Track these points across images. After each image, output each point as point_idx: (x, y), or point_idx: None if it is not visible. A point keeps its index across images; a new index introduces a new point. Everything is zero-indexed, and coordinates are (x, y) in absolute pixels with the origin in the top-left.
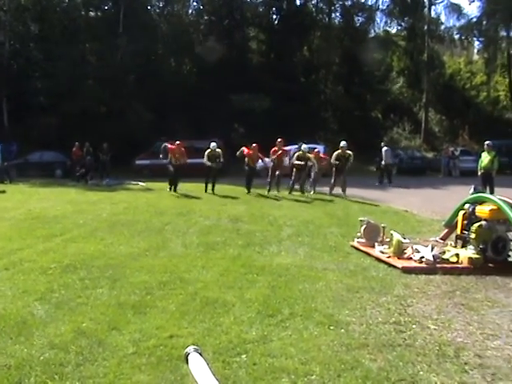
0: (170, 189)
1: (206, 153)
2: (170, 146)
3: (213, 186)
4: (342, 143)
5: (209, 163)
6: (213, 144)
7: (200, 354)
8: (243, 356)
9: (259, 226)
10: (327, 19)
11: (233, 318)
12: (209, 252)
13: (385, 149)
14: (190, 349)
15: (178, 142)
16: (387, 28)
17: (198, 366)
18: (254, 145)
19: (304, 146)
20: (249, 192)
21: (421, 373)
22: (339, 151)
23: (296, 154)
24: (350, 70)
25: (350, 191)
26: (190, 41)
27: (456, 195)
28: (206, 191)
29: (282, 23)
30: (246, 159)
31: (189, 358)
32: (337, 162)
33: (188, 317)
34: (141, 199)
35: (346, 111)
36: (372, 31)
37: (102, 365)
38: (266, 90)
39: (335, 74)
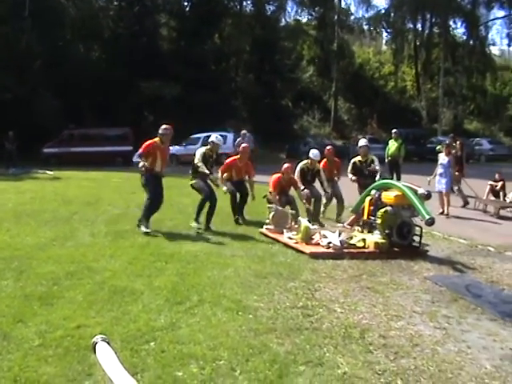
0: None
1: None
2: None
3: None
4: (362, 142)
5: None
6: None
7: (108, 343)
8: (151, 344)
9: (168, 214)
10: (238, 7)
11: (141, 306)
12: (117, 241)
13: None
14: (98, 338)
15: None
16: (298, 17)
17: (105, 355)
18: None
19: (314, 153)
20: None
21: (327, 355)
22: (357, 158)
23: (300, 167)
24: (260, 58)
25: (263, 178)
26: (100, 26)
27: None
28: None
29: (193, 10)
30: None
31: (96, 347)
32: (353, 178)
33: (96, 306)
34: (48, 188)
35: (257, 99)
36: (283, 20)
37: (7, 358)
38: (176, 77)
39: (246, 61)
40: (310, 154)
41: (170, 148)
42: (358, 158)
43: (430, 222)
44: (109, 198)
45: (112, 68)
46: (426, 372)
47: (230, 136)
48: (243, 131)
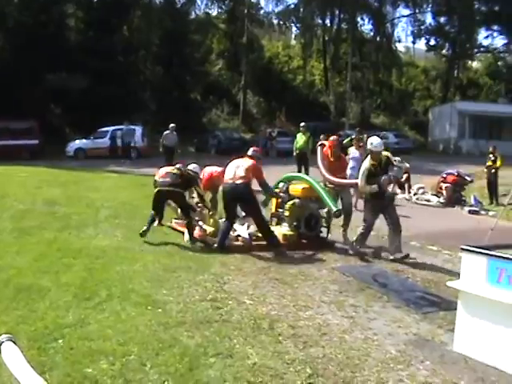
0: None
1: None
2: None
3: None
4: (374, 142)
5: None
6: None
7: (14, 342)
8: (60, 341)
9: (76, 209)
10: None
11: (48, 303)
12: (23, 237)
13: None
14: (3, 338)
15: None
16: (208, 10)
17: (11, 355)
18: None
19: (375, 142)
20: None
21: (237, 346)
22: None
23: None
24: (169, 51)
25: None
26: (3, 15)
27: (273, 175)
28: None
29: (101, 1)
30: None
31: (2, 347)
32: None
33: (1, 305)
34: None
35: (165, 92)
36: (193, 13)
37: None
38: (83, 69)
39: (155, 54)
40: (370, 145)
41: (77, 142)
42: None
43: (338, 214)
44: (14, 194)
45: (16, 59)
46: (334, 360)
47: (139, 129)
48: (172, 125)
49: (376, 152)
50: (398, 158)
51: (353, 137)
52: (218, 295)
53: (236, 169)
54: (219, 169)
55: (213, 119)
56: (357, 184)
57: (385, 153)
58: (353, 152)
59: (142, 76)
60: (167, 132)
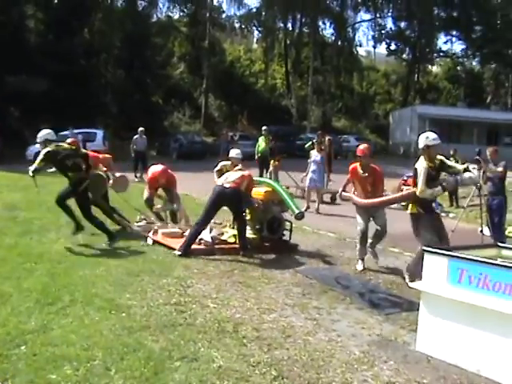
0: None
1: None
2: None
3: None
4: (430, 136)
5: None
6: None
7: None
8: (22, 347)
9: (37, 213)
10: (109, 1)
11: (10, 309)
12: None
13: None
14: None
15: None
16: (170, 13)
17: None
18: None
19: (431, 135)
20: None
21: (202, 349)
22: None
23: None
24: (131, 54)
25: (131, 176)
26: None
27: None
28: None
29: (61, 2)
30: None
31: None
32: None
33: None
34: None
35: (127, 95)
36: (155, 16)
37: None
38: (44, 71)
39: (116, 57)
40: (425, 140)
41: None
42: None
43: (300, 217)
44: None
45: None
46: (298, 361)
47: (100, 133)
48: (140, 129)
49: (434, 147)
50: (473, 166)
51: (314, 140)
52: (182, 299)
53: (230, 175)
54: (161, 167)
55: (174, 123)
56: (400, 197)
57: (439, 157)
58: (314, 155)
59: (103, 79)
60: (136, 137)
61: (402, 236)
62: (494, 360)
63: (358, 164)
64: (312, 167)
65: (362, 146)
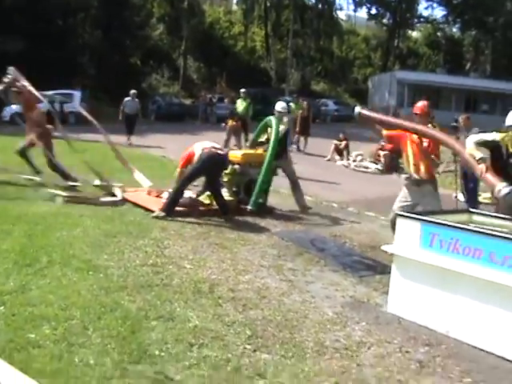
0: None
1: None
2: None
3: None
4: None
5: None
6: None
7: None
8: (1, 308)
9: (12, 177)
10: None
11: None
12: None
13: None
14: None
15: None
16: None
17: None
18: None
19: None
20: None
21: (178, 309)
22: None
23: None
24: (109, 14)
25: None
26: None
27: (214, 140)
28: None
29: None
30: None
31: None
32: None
33: None
34: None
35: (105, 56)
36: None
37: None
38: (20, 31)
39: (94, 17)
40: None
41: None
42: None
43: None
44: None
45: None
46: (272, 321)
47: (77, 94)
48: (132, 91)
49: None
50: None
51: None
52: (159, 260)
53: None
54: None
55: (153, 84)
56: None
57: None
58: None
59: (80, 39)
60: (128, 99)
61: (377, 200)
62: (462, 321)
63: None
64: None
65: (421, 104)
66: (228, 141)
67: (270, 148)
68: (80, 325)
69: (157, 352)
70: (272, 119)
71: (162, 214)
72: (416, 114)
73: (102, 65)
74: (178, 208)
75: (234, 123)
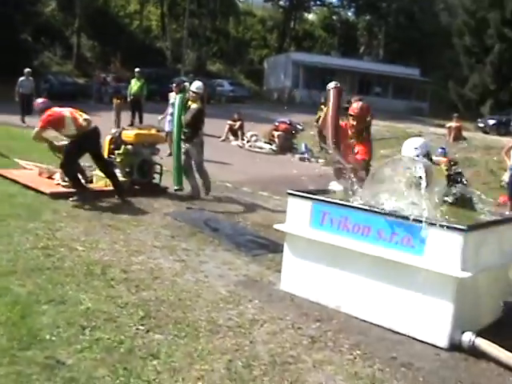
0: None
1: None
2: None
3: None
4: None
5: None
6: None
7: None
8: None
9: None
10: None
11: None
12: None
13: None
14: None
15: None
16: None
17: None
18: None
19: None
20: None
21: (70, 292)
22: None
23: None
24: None
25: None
26: None
27: (108, 120)
28: None
29: None
30: None
31: None
32: None
33: None
34: None
35: None
36: None
37: None
38: None
39: None
40: None
41: None
42: None
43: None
44: None
45: None
46: (166, 301)
47: None
48: (27, 69)
49: None
50: None
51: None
52: (50, 243)
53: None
54: None
55: (45, 62)
56: None
57: None
58: (173, 97)
59: None
60: (22, 78)
61: (271, 180)
62: (352, 297)
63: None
64: (170, 110)
65: (356, 105)
66: (118, 120)
67: (174, 128)
68: None
69: (48, 337)
70: (177, 98)
71: (76, 200)
72: (350, 115)
73: None
74: (70, 189)
75: (119, 101)
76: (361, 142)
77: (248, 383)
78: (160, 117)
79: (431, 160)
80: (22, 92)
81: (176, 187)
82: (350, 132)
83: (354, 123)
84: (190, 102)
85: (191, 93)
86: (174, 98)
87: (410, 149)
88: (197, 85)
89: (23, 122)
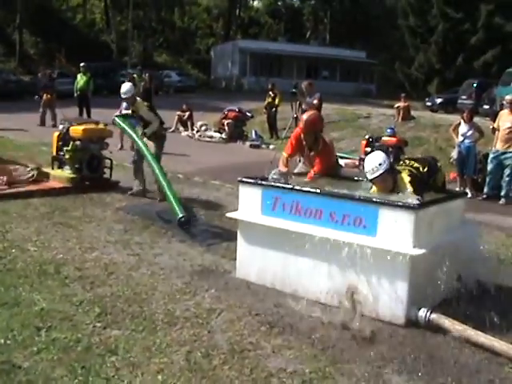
0: None
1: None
2: None
3: None
4: None
5: None
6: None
7: None
8: None
9: None
10: None
11: None
12: None
13: None
14: None
15: None
16: None
17: None
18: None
19: None
20: None
21: (23, 294)
22: None
23: None
24: None
25: None
26: None
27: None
28: None
29: None
30: None
31: None
32: None
33: None
34: None
35: None
36: None
37: None
38: None
39: None
40: None
41: None
42: None
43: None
44: None
45: None
46: (121, 297)
47: None
48: None
49: None
50: None
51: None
52: (1, 245)
53: None
54: None
55: None
56: None
57: None
58: None
59: None
60: None
61: (223, 168)
62: (307, 281)
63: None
64: (125, 105)
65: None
66: (44, 114)
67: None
68: None
69: (2, 341)
70: (116, 120)
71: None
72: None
73: None
74: (14, 190)
75: (49, 96)
76: (317, 153)
77: (208, 373)
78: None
79: (393, 168)
80: None
81: (180, 215)
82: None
83: (305, 139)
84: (131, 108)
85: (123, 96)
86: None
87: (374, 166)
88: (123, 89)
89: None
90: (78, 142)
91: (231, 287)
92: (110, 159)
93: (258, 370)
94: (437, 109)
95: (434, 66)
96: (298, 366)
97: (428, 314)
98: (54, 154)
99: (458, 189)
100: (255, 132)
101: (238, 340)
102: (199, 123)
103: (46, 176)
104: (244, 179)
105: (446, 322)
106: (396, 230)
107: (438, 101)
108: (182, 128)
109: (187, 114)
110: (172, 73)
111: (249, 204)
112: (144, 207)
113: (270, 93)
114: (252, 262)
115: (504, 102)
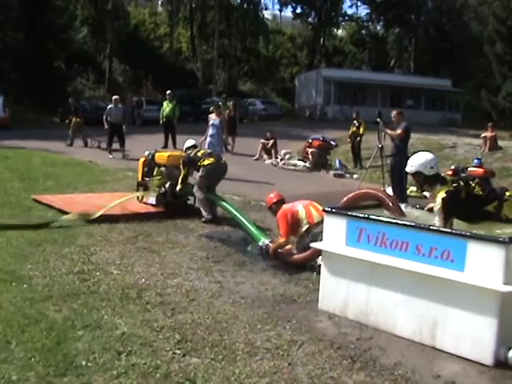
0: None
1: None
2: None
3: None
4: None
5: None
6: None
7: None
8: None
9: None
10: None
11: None
12: None
13: None
14: None
15: None
16: None
17: None
18: None
19: None
20: None
21: (105, 317)
22: None
23: None
24: (30, 17)
25: (33, 144)
26: None
27: (141, 143)
28: None
29: None
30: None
31: None
32: None
33: None
34: None
35: (28, 60)
36: None
37: None
38: None
39: (15, 20)
40: None
41: None
42: None
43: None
44: None
45: None
46: (202, 324)
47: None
48: (115, 97)
49: None
50: None
51: (219, 103)
52: (85, 267)
53: None
54: None
55: (78, 88)
56: None
57: None
58: (213, 119)
59: (1, 43)
60: (110, 106)
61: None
62: (392, 315)
63: None
64: (210, 131)
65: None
66: (73, 137)
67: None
68: (2, 339)
69: (83, 362)
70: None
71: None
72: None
73: (24, 69)
74: (105, 213)
75: (78, 120)
76: None
77: None
78: (201, 139)
79: (438, 174)
80: (111, 121)
81: (261, 243)
82: None
83: None
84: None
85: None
86: (214, 119)
87: (427, 166)
88: (186, 145)
89: (110, 153)
90: (163, 168)
91: (313, 319)
92: (193, 185)
93: None
94: None
95: None
96: None
97: None
98: (140, 179)
99: None
100: (339, 161)
101: (318, 374)
102: (283, 151)
103: None
104: (329, 209)
105: None
106: (486, 265)
107: None
108: (265, 156)
109: (271, 141)
110: (257, 101)
111: (334, 234)
112: (227, 234)
113: (355, 122)
114: (335, 293)
115: None
